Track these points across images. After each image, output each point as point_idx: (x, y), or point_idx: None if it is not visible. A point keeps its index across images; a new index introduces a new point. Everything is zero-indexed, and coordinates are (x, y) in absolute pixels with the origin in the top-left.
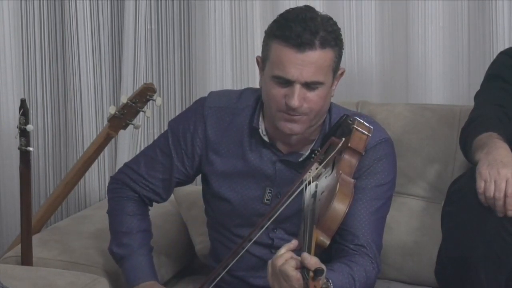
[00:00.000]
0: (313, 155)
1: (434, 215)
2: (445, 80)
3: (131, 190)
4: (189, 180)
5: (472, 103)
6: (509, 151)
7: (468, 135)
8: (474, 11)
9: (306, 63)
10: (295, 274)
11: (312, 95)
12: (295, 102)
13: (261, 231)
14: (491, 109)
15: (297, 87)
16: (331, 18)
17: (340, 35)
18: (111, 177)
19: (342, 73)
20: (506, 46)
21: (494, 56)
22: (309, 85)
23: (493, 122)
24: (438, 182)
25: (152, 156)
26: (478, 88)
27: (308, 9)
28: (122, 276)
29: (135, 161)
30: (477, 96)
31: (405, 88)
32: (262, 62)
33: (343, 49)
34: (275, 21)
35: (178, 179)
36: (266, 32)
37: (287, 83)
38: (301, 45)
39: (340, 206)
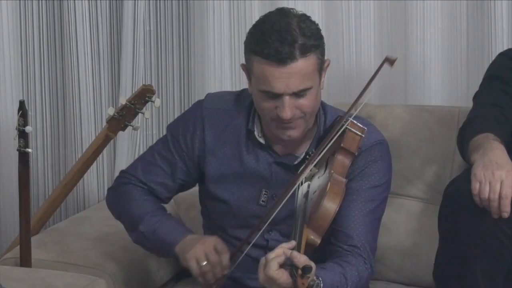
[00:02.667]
0: (307, 157)
1: (432, 216)
2: (444, 82)
3: (134, 185)
4: (192, 181)
5: (471, 105)
6: (505, 152)
7: (465, 135)
8: (473, 12)
9: (290, 74)
10: (280, 276)
11: (302, 100)
12: (286, 114)
13: (259, 234)
14: (489, 109)
15: (286, 98)
16: (307, 18)
17: (319, 31)
18: (108, 189)
19: (328, 65)
20: (505, 47)
21: (493, 57)
22: (298, 93)
23: (490, 123)
24: (437, 184)
25: (150, 161)
26: (477, 89)
27: (281, 14)
28: (161, 248)
29: (132, 167)
30: (476, 97)
31: (403, 90)
32: (248, 72)
33: (325, 44)
34: (251, 34)
35: (181, 180)
36: (245, 43)
37: (276, 96)
38: (282, 60)
39: (330, 205)
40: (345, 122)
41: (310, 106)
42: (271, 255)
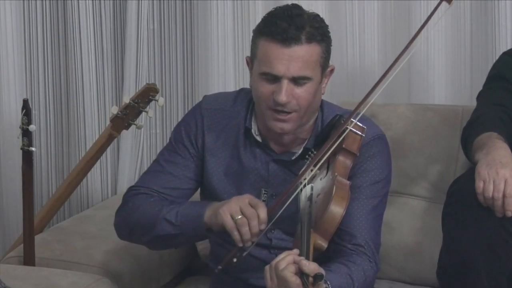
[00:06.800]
0: (307, 156)
1: (436, 215)
2: (448, 81)
3: (144, 194)
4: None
5: (474, 104)
6: (509, 152)
7: (468, 135)
8: (477, 11)
9: (293, 58)
10: (295, 280)
11: (300, 90)
12: (282, 97)
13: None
14: (493, 109)
15: (285, 82)
16: (318, 15)
17: (328, 32)
18: (116, 211)
19: (332, 70)
20: (509, 47)
21: (497, 57)
22: (297, 80)
23: (494, 122)
24: (440, 183)
25: (158, 170)
26: (480, 88)
27: (295, 6)
28: (188, 226)
29: (139, 181)
30: (479, 96)
31: (407, 89)
32: (251, 61)
33: (331, 45)
34: (262, 20)
35: (196, 181)
36: (253, 31)
37: (275, 79)
38: (287, 40)
39: (337, 209)
40: (348, 124)
41: (306, 100)
42: (283, 263)
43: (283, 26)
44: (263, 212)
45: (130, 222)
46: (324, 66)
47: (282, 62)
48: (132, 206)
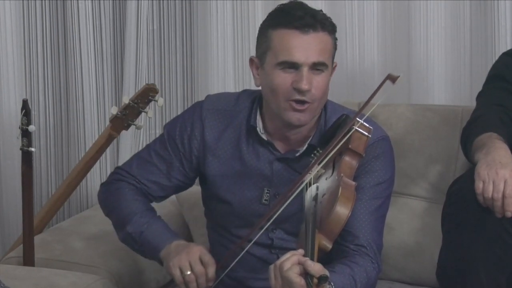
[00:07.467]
0: (312, 155)
1: (435, 215)
2: (447, 81)
3: (127, 183)
4: (189, 181)
5: (474, 104)
6: (509, 152)
7: (468, 135)
8: (476, 12)
9: (311, 44)
10: (299, 281)
11: (318, 79)
12: (304, 85)
13: (261, 232)
14: (493, 109)
15: (305, 70)
16: (322, 11)
17: (335, 26)
18: (101, 184)
19: (335, 67)
20: (509, 47)
21: (496, 57)
22: (316, 67)
23: (493, 123)
24: (440, 183)
25: (146, 159)
26: (480, 89)
27: (301, 2)
28: (147, 251)
29: (127, 164)
30: (479, 97)
31: (407, 89)
32: (260, 58)
33: (337, 40)
34: (272, 14)
35: (178, 180)
36: (262, 26)
37: (294, 67)
38: (305, 26)
39: (343, 210)
40: (354, 124)
41: (322, 90)
42: (287, 263)
43: (299, 14)
44: (211, 271)
45: (108, 206)
46: (333, 57)
47: (301, 49)
48: (114, 192)
